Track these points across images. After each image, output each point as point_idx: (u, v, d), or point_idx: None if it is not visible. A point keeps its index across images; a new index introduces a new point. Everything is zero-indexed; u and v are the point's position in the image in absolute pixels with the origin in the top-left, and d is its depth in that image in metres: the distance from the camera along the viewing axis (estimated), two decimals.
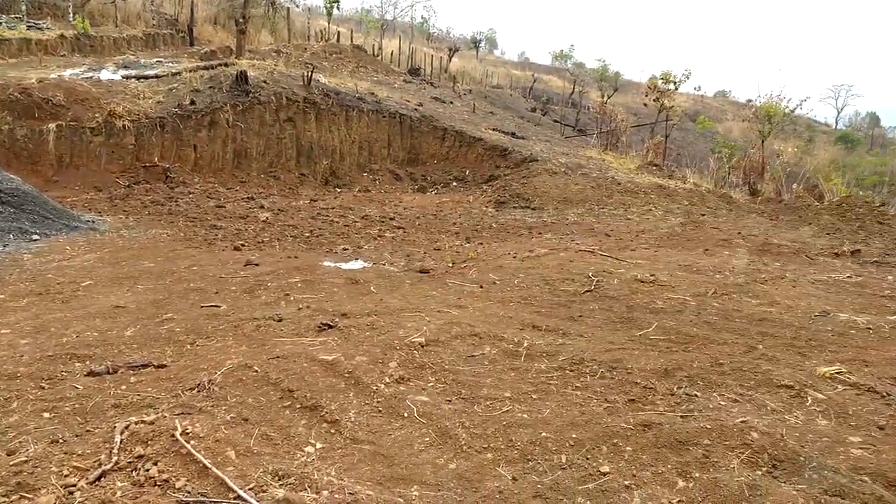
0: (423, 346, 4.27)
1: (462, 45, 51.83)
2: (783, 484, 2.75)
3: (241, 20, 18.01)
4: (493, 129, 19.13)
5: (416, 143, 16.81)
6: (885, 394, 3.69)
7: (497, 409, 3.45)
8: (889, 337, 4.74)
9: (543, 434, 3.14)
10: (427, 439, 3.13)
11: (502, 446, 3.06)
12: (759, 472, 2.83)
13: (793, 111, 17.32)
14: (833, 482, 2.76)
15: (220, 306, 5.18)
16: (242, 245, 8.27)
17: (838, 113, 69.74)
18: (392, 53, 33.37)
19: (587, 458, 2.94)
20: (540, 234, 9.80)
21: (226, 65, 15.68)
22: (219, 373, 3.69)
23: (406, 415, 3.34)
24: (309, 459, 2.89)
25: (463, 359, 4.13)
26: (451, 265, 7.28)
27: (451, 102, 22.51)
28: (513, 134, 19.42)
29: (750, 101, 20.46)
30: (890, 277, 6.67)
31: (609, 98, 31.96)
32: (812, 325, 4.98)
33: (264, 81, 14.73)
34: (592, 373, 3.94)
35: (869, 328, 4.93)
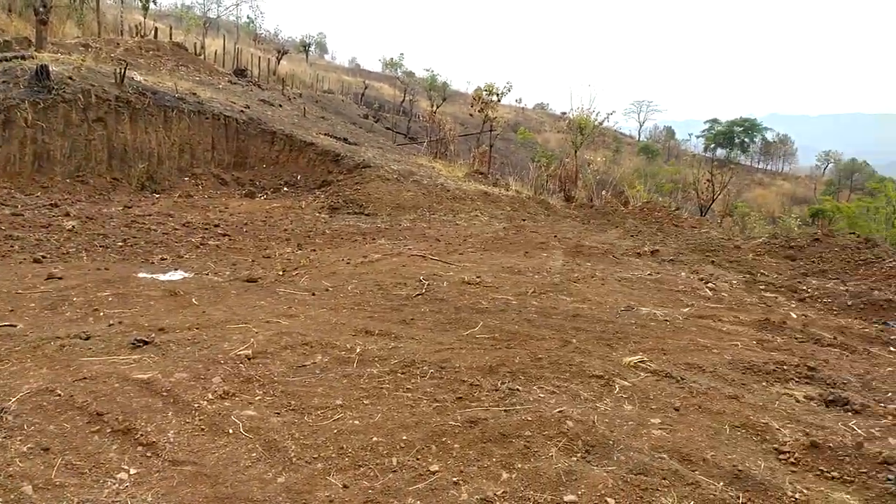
0: (249, 359, 4.11)
1: (291, 48, 50.74)
2: (595, 467, 2.98)
3: (41, 9, 16.21)
4: (326, 135, 18.92)
5: (244, 147, 16.16)
6: (679, 378, 4.15)
7: (328, 417, 3.41)
8: (682, 327, 5.34)
9: (375, 438, 3.16)
10: (254, 455, 3.02)
11: (333, 455, 3.03)
12: (575, 458, 3.05)
13: (601, 124, 18.90)
14: (637, 461, 3.05)
15: (15, 325, 4.62)
16: (44, 257, 7.44)
17: (640, 126, 77.36)
18: (216, 53, 31.82)
19: (417, 459, 3.00)
20: (374, 239, 9.85)
21: (23, 57, 14.03)
22: (13, 400, 3.29)
23: (231, 431, 3.20)
24: (121, 487, 2.67)
25: (293, 369, 4.03)
26: (281, 273, 7.09)
27: (281, 106, 21.92)
28: (345, 140, 19.34)
29: (564, 113, 22.03)
30: (683, 274, 7.52)
31: (438, 107, 32.87)
32: (619, 318, 5.47)
33: (70, 77, 13.38)
34: (423, 374, 4.03)
35: (666, 320, 5.51)
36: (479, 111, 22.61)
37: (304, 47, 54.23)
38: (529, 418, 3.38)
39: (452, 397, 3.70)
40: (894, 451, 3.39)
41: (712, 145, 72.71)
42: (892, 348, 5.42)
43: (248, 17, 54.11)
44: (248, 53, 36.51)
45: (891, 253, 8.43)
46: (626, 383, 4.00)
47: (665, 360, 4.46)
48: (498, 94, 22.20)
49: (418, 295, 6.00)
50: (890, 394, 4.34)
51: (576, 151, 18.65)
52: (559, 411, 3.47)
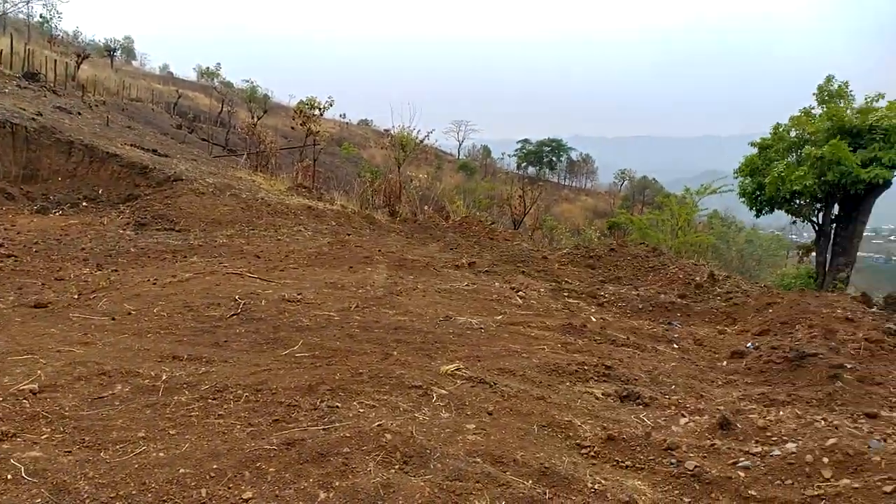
0: (35, 394, 3.67)
1: (93, 51, 46.47)
2: (413, 478, 3.02)
3: None
4: (132, 145, 17.49)
5: (35, 158, 14.45)
6: (492, 383, 4.34)
7: (129, 451, 3.13)
8: (496, 334, 5.61)
9: (182, 470, 2.95)
10: (38, 500, 2.69)
11: (134, 491, 2.78)
12: (393, 471, 3.07)
13: (422, 141, 19.40)
14: (453, 468, 3.13)
15: None
16: None
17: (460, 144, 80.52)
18: (1, 53, 28.26)
19: (229, 487, 2.85)
20: (185, 257, 9.25)
21: None
22: None
23: (11, 476, 2.83)
24: None
25: (88, 402, 3.66)
26: (76, 296, 6.42)
27: (80, 114, 19.94)
28: (155, 151, 18.02)
29: (387, 130, 22.31)
30: (497, 284, 7.91)
31: (259, 119, 31.83)
32: (438, 329, 5.62)
33: None
34: (236, 398, 3.85)
35: (481, 328, 5.76)
36: (300, 125, 22.21)
37: (109, 52, 49.95)
38: (348, 434, 3.35)
39: (268, 420, 3.57)
40: (676, 437, 3.81)
41: (524, 163, 77.60)
42: (675, 345, 6.11)
43: (41, 17, 48.76)
44: (41, 56, 32.83)
45: (673, 260, 9.53)
46: (443, 392, 4.11)
47: (480, 367, 4.65)
48: (320, 109, 21.97)
49: (233, 315, 5.73)
50: (674, 386, 4.88)
51: (399, 167, 18.97)
52: (378, 425, 3.47)
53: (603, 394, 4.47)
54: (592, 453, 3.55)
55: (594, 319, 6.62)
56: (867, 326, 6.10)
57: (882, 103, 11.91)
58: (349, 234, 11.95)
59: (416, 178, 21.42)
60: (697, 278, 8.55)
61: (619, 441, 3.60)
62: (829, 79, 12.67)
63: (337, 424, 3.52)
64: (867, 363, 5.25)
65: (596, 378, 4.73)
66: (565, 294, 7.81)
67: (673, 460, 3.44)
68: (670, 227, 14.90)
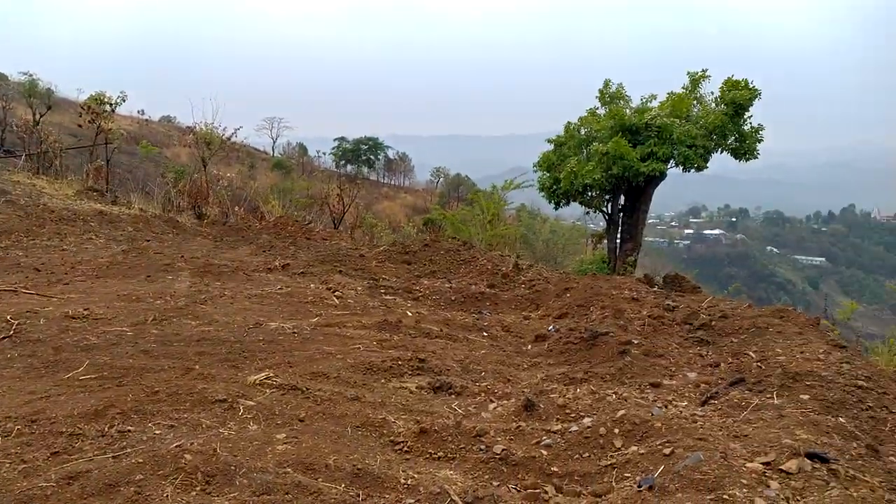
0: None
1: None
2: (216, 497, 2.82)
3: None
4: None
5: None
6: (304, 389, 4.20)
7: None
8: (310, 337, 5.45)
9: None
10: None
11: None
12: (194, 493, 2.84)
13: (229, 139, 18.45)
14: (261, 482, 2.97)
15: None
16: None
17: (274, 142, 77.90)
18: None
19: None
20: None
21: None
22: None
23: None
24: None
25: None
26: None
27: None
28: None
29: (189, 127, 20.91)
30: (312, 285, 7.72)
31: (42, 116, 28.31)
32: (247, 337, 5.35)
33: None
34: (6, 433, 3.36)
35: (295, 332, 5.57)
36: (89, 122, 20.08)
37: None
38: (142, 460, 3.06)
39: (46, 454, 3.15)
40: (485, 423, 3.95)
41: (342, 162, 77.08)
42: (485, 333, 6.36)
43: None
44: None
45: (483, 252, 9.95)
46: (251, 403, 3.90)
47: (291, 373, 4.49)
48: (112, 105, 20.00)
49: (4, 338, 5.01)
50: (483, 373, 5.07)
51: (205, 166, 17.87)
52: (177, 446, 3.21)
53: (417, 387, 4.52)
54: (406, 448, 3.56)
55: (410, 314, 6.70)
56: (650, 304, 6.78)
57: (655, 103, 13.41)
58: (148, 241, 11.03)
59: (225, 178, 20.31)
60: (504, 268, 9.00)
61: (431, 433, 3.65)
62: (608, 83, 14.00)
63: (129, 450, 3.19)
64: (651, 338, 5.83)
65: (410, 372, 4.77)
66: (382, 291, 7.82)
67: (482, 446, 3.55)
68: (479, 222, 15.57)
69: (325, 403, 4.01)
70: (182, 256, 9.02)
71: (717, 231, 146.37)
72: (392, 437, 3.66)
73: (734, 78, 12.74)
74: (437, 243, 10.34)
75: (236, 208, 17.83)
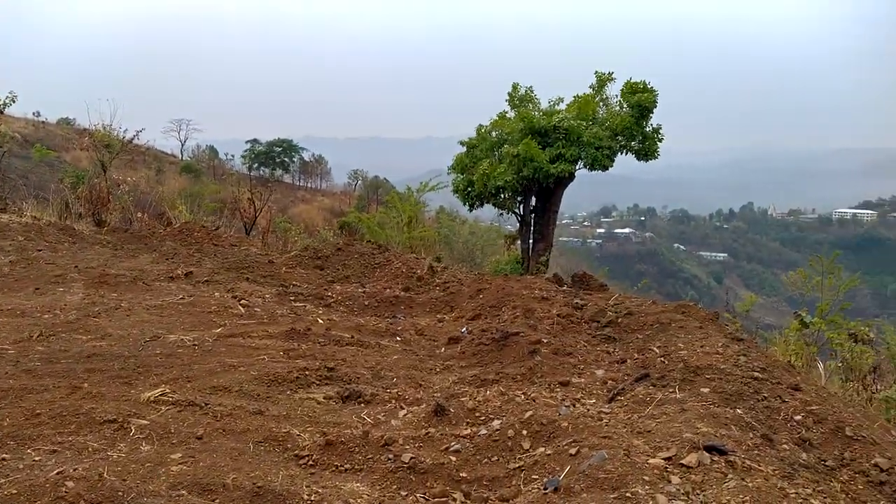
0: None
1: None
2: None
3: None
4: None
5: None
6: (203, 404, 3.99)
7: None
8: (211, 349, 5.20)
9: None
10: None
11: None
12: None
13: (130, 141, 17.55)
14: None
15: None
16: None
17: (182, 145, 74.89)
18: None
19: None
20: None
21: None
22: None
23: None
24: None
25: None
26: None
27: None
28: None
29: (86, 129, 19.72)
30: (217, 294, 7.41)
31: None
32: (142, 351, 5.05)
33: None
34: None
35: (195, 344, 5.30)
36: None
37: None
38: (16, 491, 2.80)
39: None
40: (394, 431, 3.87)
41: (255, 165, 75.10)
42: (398, 338, 6.28)
43: None
44: None
45: (398, 255, 9.86)
46: (144, 422, 3.67)
47: (190, 388, 4.26)
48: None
49: None
50: (395, 379, 4.98)
51: (105, 171, 16.91)
52: (58, 473, 2.96)
53: (325, 397, 4.38)
54: (311, 462, 3.44)
55: (321, 321, 6.52)
56: (560, 303, 6.89)
57: (562, 106, 13.74)
58: (40, 250, 10.30)
59: (127, 183, 19.29)
60: (419, 271, 8.94)
61: (337, 445, 3.54)
62: (516, 86, 14.25)
63: (2, 480, 2.92)
64: (560, 336, 5.91)
65: (318, 382, 4.63)
66: (292, 298, 7.59)
67: (390, 455, 3.47)
68: (397, 224, 15.48)
69: (225, 419, 3.82)
70: (76, 267, 8.47)
71: (627, 230, 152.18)
72: (296, 451, 3.52)
73: (632, 81, 13.23)
74: (351, 247, 10.16)
75: (140, 214, 16.99)
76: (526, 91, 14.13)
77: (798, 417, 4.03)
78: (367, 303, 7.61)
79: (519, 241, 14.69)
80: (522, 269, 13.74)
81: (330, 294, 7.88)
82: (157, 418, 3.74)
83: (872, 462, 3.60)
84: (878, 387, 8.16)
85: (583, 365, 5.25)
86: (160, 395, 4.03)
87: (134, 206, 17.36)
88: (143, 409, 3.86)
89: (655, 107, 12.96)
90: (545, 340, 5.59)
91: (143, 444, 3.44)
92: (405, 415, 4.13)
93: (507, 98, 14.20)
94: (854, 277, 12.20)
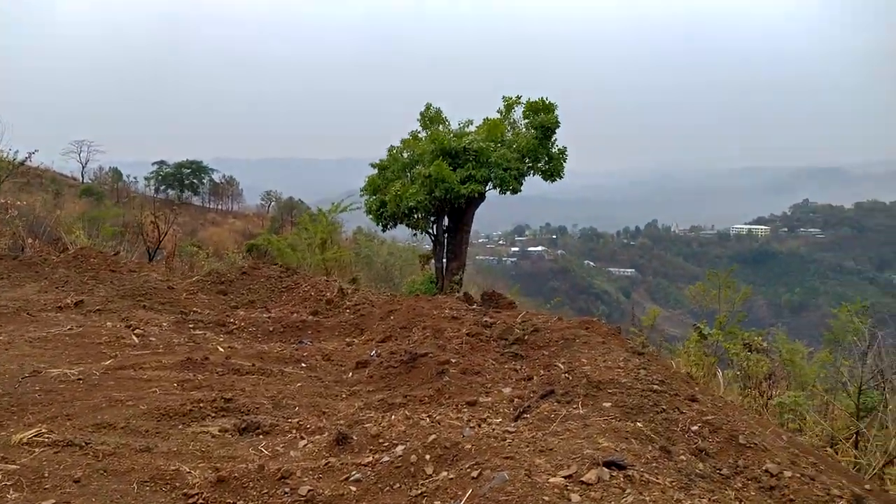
0: None
1: None
2: None
3: None
4: None
5: None
6: (83, 444, 3.69)
7: None
8: (98, 384, 4.85)
9: None
10: None
11: None
12: None
13: (22, 163, 16.51)
14: None
15: None
16: None
17: (83, 167, 71.06)
18: None
19: None
20: None
21: None
22: None
23: None
24: None
25: None
26: None
27: None
28: None
29: None
30: (109, 324, 6.97)
31: None
32: (19, 388, 4.64)
33: None
34: None
35: (80, 379, 4.94)
36: None
37: None
38: None
39: None
40: (292, 463, 3.71)
41: (163, 186, 72.26)
42: (303, 364, 6.08)
43: None
44: None
45: (307, 278, 9.62)
46: (13, 467, 3.35)
47: (70, 427, 3.94)
48: None
49: None
50: (297, 408, 4.80)
51: None
52: None
53: (220, 430, 4.16)
54: (201, 500, 3.23)
55: (221, 350, 6.24)
56: (469, 322, 6.89)
57: (472, 128, 13.97)
58: None
59: (17, 207, 18.09)
60: (328, 294, 8.74)
61: (230, 481, 3.34)
62: (429, 106, 14.39)
63: None
64: (469, 355, 5.89)
65: (213, 414, 4.39)
66: (191, 326, 7.24)
67: (287, 489, 3.31)
68: (309, 246, 15.18)
69: (107, 458, 3.54)
70: None
71: (540, 248, 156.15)
72: (185, 490, 3.31)
73: (532, 99, 13.63)
74: (257, 270, 9.84)
75: (32, 240, 15.92)
76: (436, 111, 14.28)
77: (695, 428, 4.15)
78: (272, 328, 7.36)
79: (433, 261, 14.72)
80: (436, 289, 13.76)
81: (232, 320, 7.57)
82: (30, 462, 3.43)
83: (764, 468, 3.73)
84: (774, 392, 8.60)
85: (490, 384, 5.24)
86: (34, 435, 3.70)
87: (26, 232, 16.28)
88: (14, 451, 3.53)
89: (558, 126, 13.38)
90: (454, 360, 5.55)
91: (10, 492, 3.14)
92: (305, 445, 3.97)
93: (419, 118, 14.30)
94: (747, 289, 12.88)
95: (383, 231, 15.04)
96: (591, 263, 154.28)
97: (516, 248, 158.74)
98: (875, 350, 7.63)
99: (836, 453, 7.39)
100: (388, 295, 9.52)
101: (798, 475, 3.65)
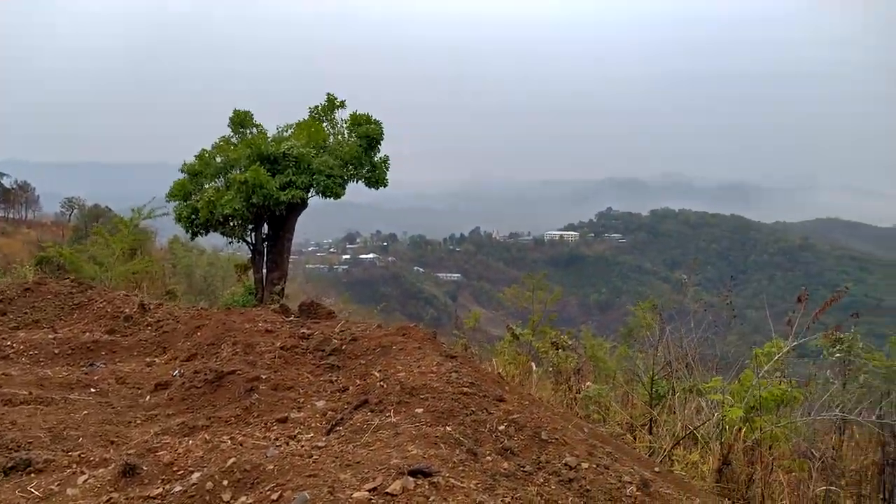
0: None
1: None
2: None
3: None
4: None
5: None
6: None
7: None
8: None
9: None
10: None
11: None
12: None
13: None
14: None
15: None
16: None
17: None
18: None
19: None
20: None
21: None
22: None
23: None
24: None
25: None
26: None
27: None
28: None
29: None
30: None
31: None
32: None
33: None
34: None
35: None
36: None
37: None
38: None
39: None
40: (70, 502, 3.28)
41: None
42: (92, 389, 5.46)
43: None
44: None
45: (103, 294, 8.71)
46: None
47: None
48: None
49: None
50: (81, 439, 4.28)
51: None
52: None
53: None
54: None
55: None
56: (285, 335, 6.61)
57: (291, 132, 13.58)
58: None
59: None
60: (128, 310, 7.97)
61: None
62: (238, 112, 13.78)
63: None
64: (282, 370, 5.63)
65: None
66: None
67: None
68: (109, 257, 13.81)
69: None
70: None
71: (371, 255, 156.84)
72: None
73: (358, 112, 13.64)
74: (44, 286, 8.73)
75: None
76: (246, 116, 13.73)
77: (501, 427, 4.26)
78: (57, 351, 6.54)
79: (252, 271, 14.06)
80: (256, 301, 13.15)
81: (10, 344, 6.64)
82: None
83: (563, 462, 3.92)
84: (582, 386, 9.22)
85: (304, 398, 5.04)
86: None
87: None
88: None
89: (382, 138, 13.44)
90: (265, 376, 5.28)
91: None
92: (86, 480, 3.53)
93: (229, 122, 13.66)
94: (558, 291, 13.74)
95: (192, 239, 14.08)
96: (421, 269, 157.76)
97: (348, 256, 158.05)
98: (664, 343, 8.45)
99: (635, 439, 8.07)
100: (196, 309, 8.89)
101: (594, 465, 3.88)
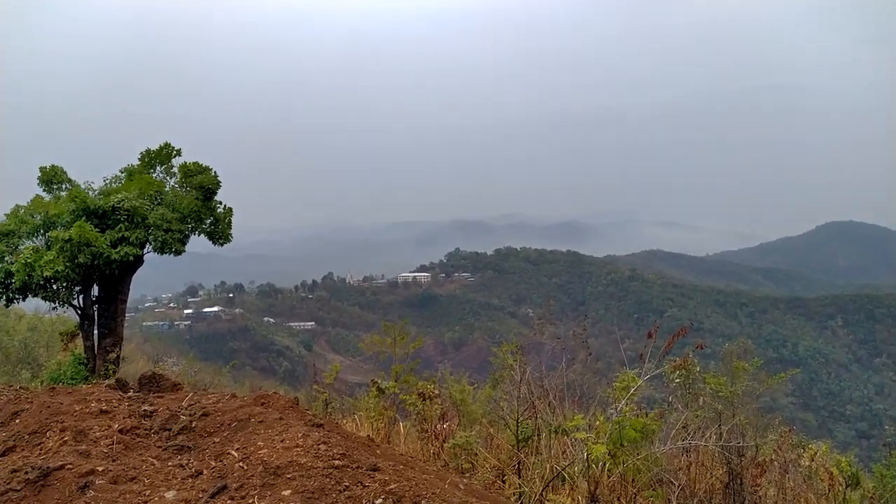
0: None
1: None
2: None
3: None
4: None
5: None
6: None
7: None
8: None
9: None
10: None
11: None
12: None
13: None
14: None
15: None
16: None
17: None
18: None
19: None
20: None
21: None
22: None
23: None
24: None
25: None
26: None
27: None
28: None
29: None
30: None
31: None
32: None
33: None
34: None
35: None
36: None
37: None
38: None
39: None
40: None
41: None
42: None
43: None
44: None
45: None
46: None
47: None
48: None
49: None
50: None
51: None
52: None
53: None
54: None
55: None
56: (123, 415, 5.86)
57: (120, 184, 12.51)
58: None
59: None
60: None
61: None
62: (43, 168, 12.56)
63: None
64: (122, 458, 4.95)
65: None
66: None
67: None
68: None
69: None
70: None
71: (216, 308, 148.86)
72: None
73: (189, 162, 12.93)
74: None
75: None
76: (58, 171, 12.51)
77: (379, 502, 3.99)
78: None
79: (81, 338, 12.58)
80: (88, 371, 11.76)
81: None
82: None
83: None
84: (448, 433, 9.08)
85: (150, 490, 4.44)
86: None
87: None
88: None
89: (219, 187, 12.77)
90: (101, 468, 4.59)
91: None
92: None
93: (38, 181, 12.36)
94: (420, 339, 13.63)
95: (7, 305, 12.40)
96: (271, 320, 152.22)
97: (190, 311, 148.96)
98: (525, 382, 8.57)
99: (504, 482, 8.04)
100: (13, 390, 7.69)
101: None
